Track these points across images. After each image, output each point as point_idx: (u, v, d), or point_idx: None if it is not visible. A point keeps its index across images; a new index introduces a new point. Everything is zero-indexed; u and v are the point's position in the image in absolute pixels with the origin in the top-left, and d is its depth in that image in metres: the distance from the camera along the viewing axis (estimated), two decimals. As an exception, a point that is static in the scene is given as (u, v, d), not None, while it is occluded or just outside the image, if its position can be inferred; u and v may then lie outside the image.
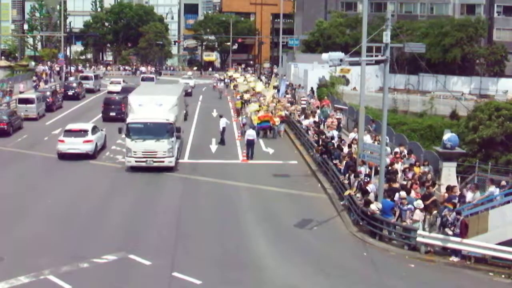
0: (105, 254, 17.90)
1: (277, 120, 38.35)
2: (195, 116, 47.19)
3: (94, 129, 32.34)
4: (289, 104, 44.29)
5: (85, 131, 31.55)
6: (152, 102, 29.37)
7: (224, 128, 35.99)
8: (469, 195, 21.54)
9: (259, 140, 35.82)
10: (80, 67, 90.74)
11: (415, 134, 44.15)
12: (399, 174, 24.04)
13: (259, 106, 41.17)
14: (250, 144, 32.36)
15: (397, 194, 20.89)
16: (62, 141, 31.01)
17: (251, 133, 32.69)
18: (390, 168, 24.13)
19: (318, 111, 41.12)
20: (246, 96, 49.05)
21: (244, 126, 37.85)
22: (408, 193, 20.88)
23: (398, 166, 24.71)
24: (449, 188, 21.26)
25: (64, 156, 30.90)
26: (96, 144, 31.64)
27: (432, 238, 19.14)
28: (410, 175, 23.55)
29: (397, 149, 27.39)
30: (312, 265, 18.05)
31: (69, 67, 75.54)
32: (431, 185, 21.94)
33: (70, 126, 32.50)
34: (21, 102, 43.49)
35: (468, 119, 39.96)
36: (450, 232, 18.71)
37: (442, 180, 23.95)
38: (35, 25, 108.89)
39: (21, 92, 50.61)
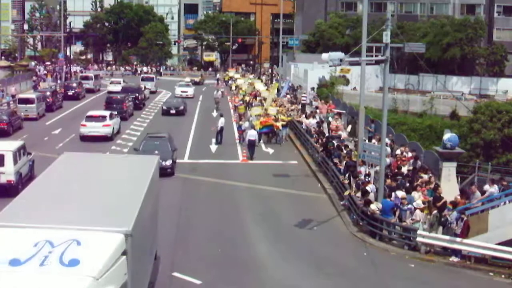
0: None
1: (280, 125, 36.35)
2: (195, 116, 47.13)
3: (111, 116, 36.88)
4: (289, 104, 44.20)
5: (104, 117, 36.36)
6: (41, 255, 9.52)
7: (222, 128, 35.92)
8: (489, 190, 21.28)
9: (261, 144, 35.05)
10: (80, 68, 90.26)
11: (415, 134, 44.13)
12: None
13: (261, 110, 39.09)
14: (251, 145, 32.05)
15: (393, 193, 20.85)
16: (84, 125, 35.57)
17: (252, 134, 32.31)
18: (396, 171, 23.81)
19: (318, 110, 41.09)
20: (248, 98, 47.85)
21: (243, 133, 35.40)
22: (408, 192, 20.87)
23: (405, 169, 24.41)
24: (463, 192, 21.17)
25: (85, 138, 35.17)
26: (113, 128, 36.31)
27: (432, 238, 19.14)
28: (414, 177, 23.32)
29: (398, 151, 27.23)
30: (312, 265, 18.05)
31: (69, 67, 75.49)
32: (437, 187, 21.72)
33: (91, 113, 37.27)
34: (21, 102, 43.49)
35: (471, 121, 40.09)
36: (451, 232, 18.75)
37: (442, 180, 23.91)
38: (35, 25, 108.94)
39: (13, 96, 49.57)
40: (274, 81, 63.49)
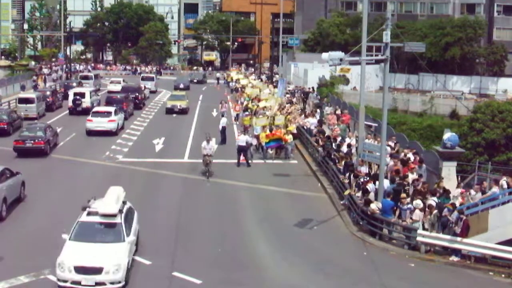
0: (105, 254, 17.77)
1: (289, 138, 32.12)
2: (195, 116, 47.13)
3: (116, 112, 38.50)
4: (289, 105, 43.88)
5: (109, 113, 37.89)
6: None
7: (224, 128, 35.87)
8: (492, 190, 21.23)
9: (267, 157, 32.38)
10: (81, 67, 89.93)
11: (415, 133, 44.17)
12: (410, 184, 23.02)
13: (267, 119, 34.46)
14: (240, 151, 30.35)
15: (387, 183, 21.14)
16: (91, 120, 37.16)
17: (242, 139, 30.50)
18: (403, 180, 22.61)
19: (318, 110, 41.01)
20: (250, 105, 43.64)
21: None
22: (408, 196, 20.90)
23: (413, 177, 22.96)
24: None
25: (91, 133, 36.85)
26: (118, 123, 37.99)
27: (432, 237, 19.14)
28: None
29: (402, 154, 26.76)
30: (312, 265, 18.05)
31: (69, 67, 75.41)
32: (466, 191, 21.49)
33: (97, 108, 39.47)
34: (21, 102, 43.45)
35: (471, 120, 40.09)
36: (451, 232, 18.75)
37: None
38: (35, 25, 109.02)
39: None
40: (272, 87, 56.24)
